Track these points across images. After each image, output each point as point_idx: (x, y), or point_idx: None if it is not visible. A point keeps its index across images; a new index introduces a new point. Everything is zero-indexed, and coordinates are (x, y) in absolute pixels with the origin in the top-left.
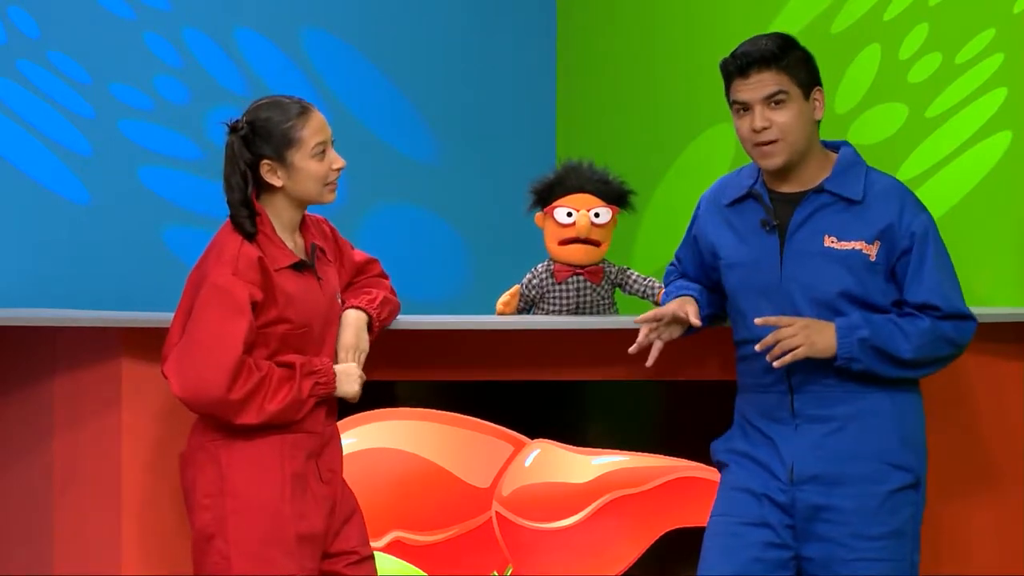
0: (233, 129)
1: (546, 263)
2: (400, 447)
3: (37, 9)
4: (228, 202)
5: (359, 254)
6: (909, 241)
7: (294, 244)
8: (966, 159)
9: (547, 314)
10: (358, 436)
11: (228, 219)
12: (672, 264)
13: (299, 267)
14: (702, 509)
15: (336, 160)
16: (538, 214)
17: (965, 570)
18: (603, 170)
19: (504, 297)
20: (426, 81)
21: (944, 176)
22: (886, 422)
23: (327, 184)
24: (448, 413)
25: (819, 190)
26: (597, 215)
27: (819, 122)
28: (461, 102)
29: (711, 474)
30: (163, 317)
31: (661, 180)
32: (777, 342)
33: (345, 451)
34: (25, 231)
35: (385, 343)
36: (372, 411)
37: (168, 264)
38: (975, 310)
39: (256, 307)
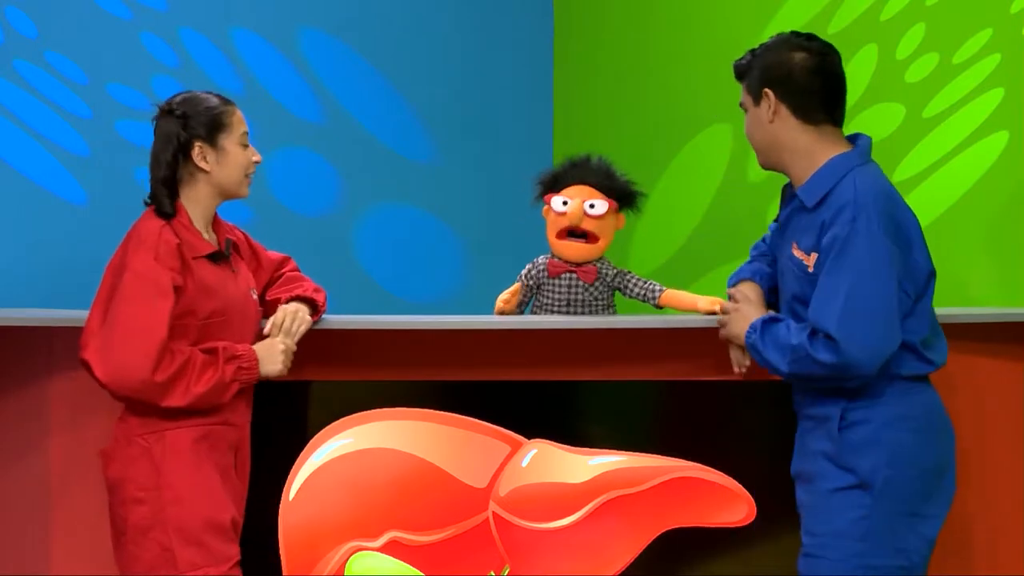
0: (169, 111)
1: (546, 255)
2: (397, 447)
3: (34, 9)
4: (152, 179)
5: (274, 253)
6: (827, 251)
7: (209, 237)
8: (963, 159)
9: (541, 307)
10: (355, 436)
11: (146, 209)
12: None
13: (215, 258)
14: (698, 509)
15: (255, 153)
16: (545, 207)
17: (964, 570)
18: (610, 167)
19: (504, 295)
20: (423, 81)
21: (941, 176)
22: (846, 425)
23: (247, 175)
24: (445, 413)
25: (794, 194)
26: (592, 206)
27: (796, 123)
28: (458, 102)
29: (707, 474)
30: None
31: (658, 180)
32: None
33: (342, 451)
34: (22, 231)
35: (382, 343)
36: (369, 411)
37: None
38: (972, 310)
39: (176, 293)
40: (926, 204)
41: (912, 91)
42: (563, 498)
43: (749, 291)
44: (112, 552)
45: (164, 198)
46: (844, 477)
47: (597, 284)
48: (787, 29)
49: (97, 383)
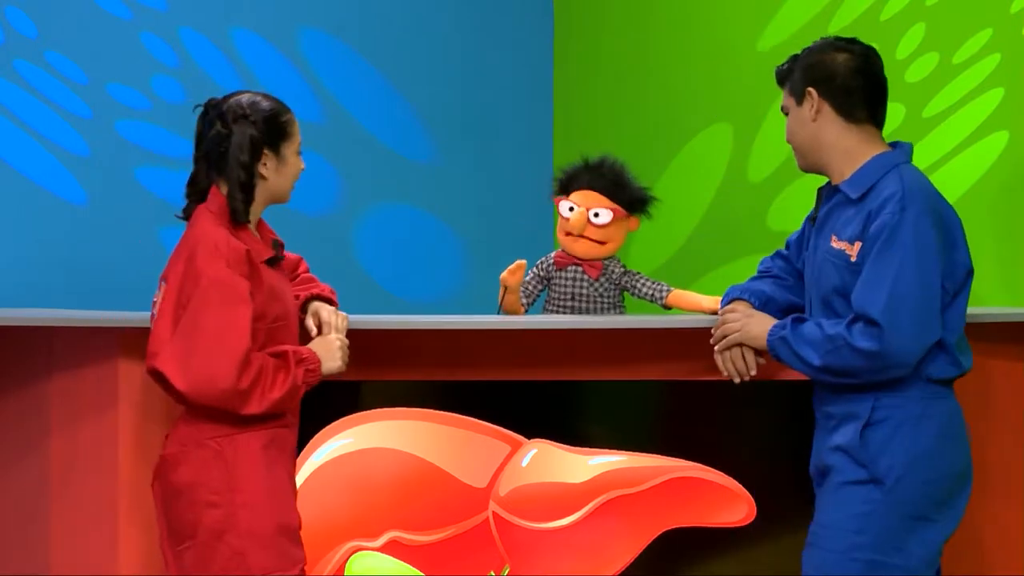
0: (243, 115)
1: (559, 249)
2: (397, 447)
3: (34, 9)
4: (232, 182)
5: (291, 254)
6: (873, 239)
7: (261, 240)
8: (963, 159)
9: (550, 302)
10: (355, 436)
11: (198, 212)
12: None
13: (270, 262)
14: (698, 509)
15: (301, 161)
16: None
17: (965, 570)
18: (623, 172)
19: (510, 267)
20: (423, 81)
21: (941, 176)
22: (871, 422)
23: (294, 184)
24: (445, 413)
25: (837, 189)
26: (597, 215)
27: (839, 121)
28: (458, 102)
29: (707, 474)
30: None
31: (658, 180)
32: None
33: (342, 451)
34: (22, 231)
35: (381, 343)
36: (369, 411)
37: (165, 264)
38: (973, 310)
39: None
40: None
41: (912, 91)
42: (563, 498)
43: (744, 306)
44: (108, 552)
45: (241, 204)
46: (858, 472)
47: (602, 280)
48: (787, 29)
49: (169, 391)
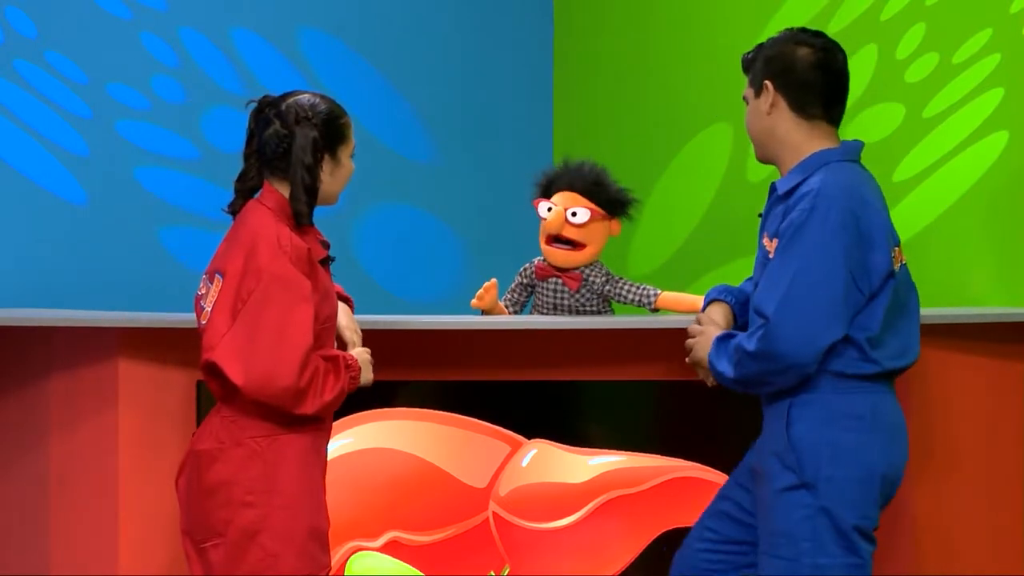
0: (305, 118)
1: (541, 257)
2: (397, 447)
3: (34, 9)
4: (296, 184)
5: None
6: (782, 237)
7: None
8: (963, 159)
9: (535, 307)
10: (355, 436)
11: (251, 208)
12: None
13: (323, 262)
14: (698, 509)
15: (352, 164)
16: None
17: (965, 571)
18: (603, 174)
19: (479, 292)
20: (424, 81)
21: (941, 176)
22: (789, 423)
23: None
24: (445, 413)
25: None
26: (574, 214)
27: (792, 116)
28: (458, 102)
29: (707, 474)
30: (160, 317)
31: (658, 181)
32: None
33: (342, 451)
34: (22, 231)
35: (382, 343)
36: (369, 411)
37: (165, 264)
38: (972, 310)
39: None
40: (926, 204)
41: (912, 91)
42: (563, 498)
43: (716, 314)
44: (109, 552)
45: (306, 206)
46: (789, 477)
47: (583, 291)
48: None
49: (223, 386)
